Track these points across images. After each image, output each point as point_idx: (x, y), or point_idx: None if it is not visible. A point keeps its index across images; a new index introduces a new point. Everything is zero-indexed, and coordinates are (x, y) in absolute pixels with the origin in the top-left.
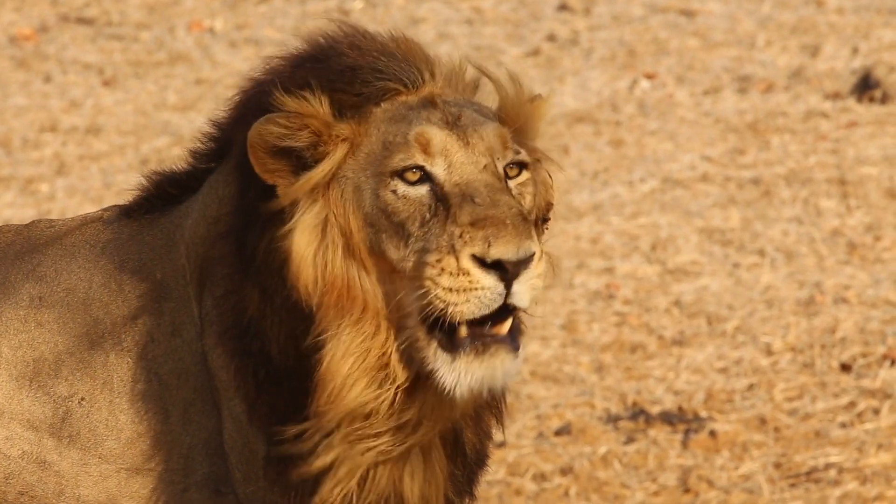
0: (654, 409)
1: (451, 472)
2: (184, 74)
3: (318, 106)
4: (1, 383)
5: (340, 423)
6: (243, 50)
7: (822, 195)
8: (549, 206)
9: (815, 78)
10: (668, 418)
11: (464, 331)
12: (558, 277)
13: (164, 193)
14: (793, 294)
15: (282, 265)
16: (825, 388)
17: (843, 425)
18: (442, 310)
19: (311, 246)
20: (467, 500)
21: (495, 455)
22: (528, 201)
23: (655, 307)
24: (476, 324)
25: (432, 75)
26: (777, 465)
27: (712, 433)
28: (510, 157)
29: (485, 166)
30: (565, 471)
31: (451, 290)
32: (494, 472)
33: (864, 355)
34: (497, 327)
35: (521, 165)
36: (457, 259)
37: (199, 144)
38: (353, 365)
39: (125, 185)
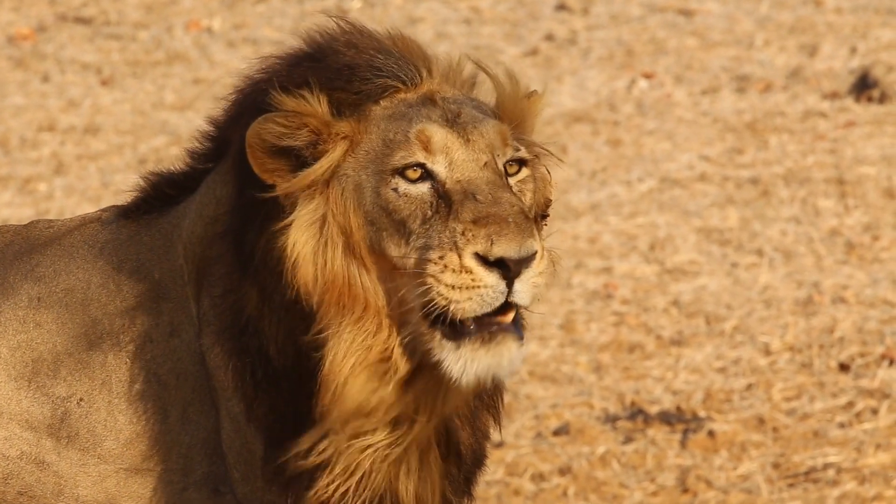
0: (653, 409)
1: (449, 472)
2: (182, 74)
3: (317, 105)
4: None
5: (344, 421)
6: (241, 49)
7: (820, 195)
8: (547, 202)
9: (813, 78)
10: (666, 418)
11: (469, 320)
12: (558, 276)
13: (162, 194)
14: (791, 294)
15: (280, 264)
16: (823, 387)
17: (842, 425)
18: (444, 307)
19: (308, 243)
20: (465, 501)
21: (493, 455)
22: (528, 198)
23: (654, 307)
24: (478, 318)
25: (430, 72)
26: (775, 465)
27: (711, 433)
28: (510, 153)
29: (485, 163)
30: (564, 471)
31: (453, 287)
32: (493, 472)
33: (862, 355)
34: (501, 317)
35: (521, 162)
36: (459, 257)
37: (195, 144)
38: (356, 363)
39: (123, 185)
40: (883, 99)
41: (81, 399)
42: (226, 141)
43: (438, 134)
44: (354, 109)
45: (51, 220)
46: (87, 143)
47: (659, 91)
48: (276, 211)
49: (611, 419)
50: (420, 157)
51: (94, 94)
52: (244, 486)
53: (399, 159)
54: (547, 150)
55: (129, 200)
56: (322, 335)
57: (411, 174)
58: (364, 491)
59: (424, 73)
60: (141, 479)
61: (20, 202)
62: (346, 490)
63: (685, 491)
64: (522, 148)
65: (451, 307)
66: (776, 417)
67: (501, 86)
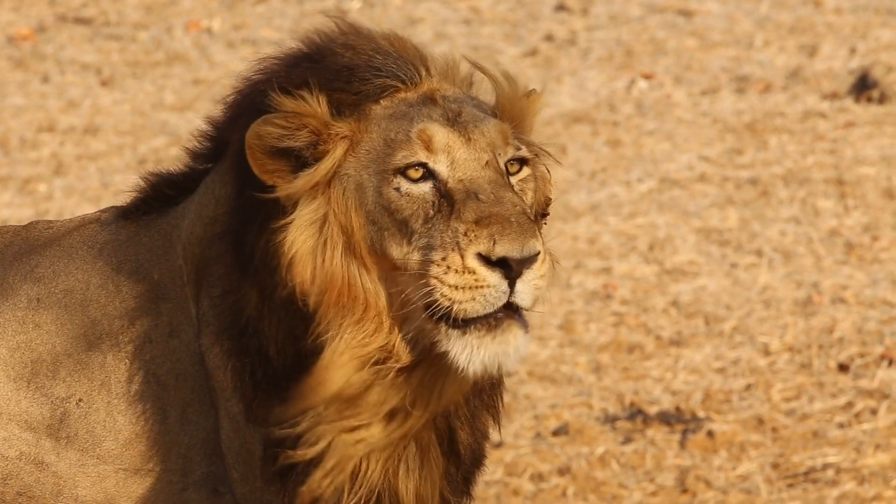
0: (652, 410)
1: (448, 472)
2: (181, 74)
3: (316, 105)
4: None
5: (328, 406)
6: (241, 50)
7: (819, 195)
8: (547, 201)
9: (812, 78)
10: (665, 418)
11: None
12: (557, 277)
13: (161, 195)
14: (790, 294)
15: (280, 264)
16: (823, 388)
17: (841, 425)
18: (448, 308)
19: (307, 242)
20: (465, 500)
21: (493, 455)
22: (529, 197)
23: (653, 307)
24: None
25: (428, 71)
26: (775, 466)
27: (710, 433)
28: (511, 153)
29: (487, 162)
30: (563, 471)
31: (456, 287)
32: (492, 472)
33: (861, 355)
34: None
35: (523, 161)
36: (462, 257)
37: (194, 145)
38: (350, 357)
39: (123, 185)
40: (882, 99)
41: (80, 399)
42: (225, 141)
43: (440, 133)
44: (354, 109)
45: (50, 221)
46: (87, 144)
47: (658, 91)
48: (276, 211)
49: (610, 419)
50: (422, 156)
51: (93, 95)
52: (243, 486)
53: (401, 159)
54: (546, 151)
55: (128, 201)
56: (322, 336)
57: (413, 174)
58: (360, 488)
59: (423, 73)
60: (140, 479)
61: (20, 203)
62: (341, 485)
63: (684, 491)
64: (523, 147)
65: (455, 308)
66: (775, 418)
67: (500, 85)
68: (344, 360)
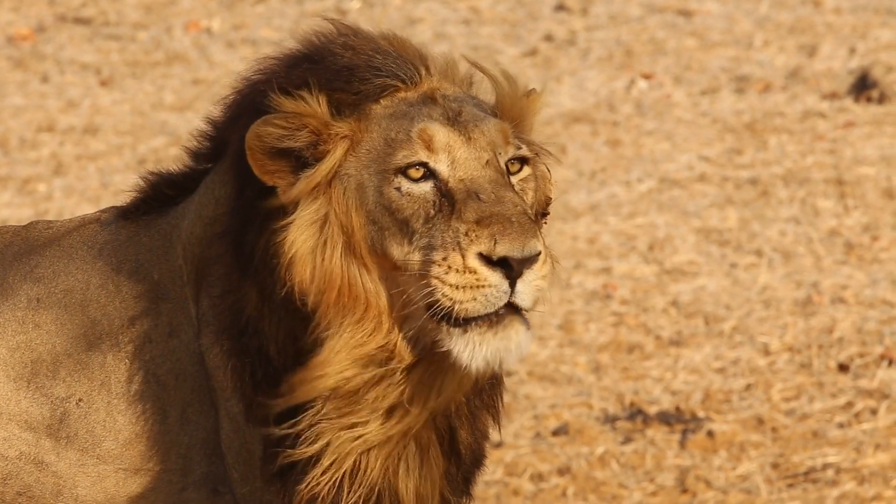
0: (652, 410)
1: (448, 471)
2: (181, 74)
3: (316, 105)
4: None
5: (326, 403)
6: (240, 50)
7: (819, 195)
8: (548, 200)
9: (812, 78)
10: (665, 418)
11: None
12: (557, 277)
13: (161, 195)
14: (790, 294)
15: (280, 263)
16: (823, 388)
17: (841, 425)
18: (448, 308)
19: (307, 242)
20: (464, 500)
21: (493, 455)
22: (530, 197)
23: (653, 307)
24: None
25: (428, 71)
26: (774, 466)
27: (710, 433)
28: (512, 152)
29: (487, 161)
30: (563, 471)
31: (457, 287)
32: (492, 472)
33: (861, 355)
34: None
35: (523, 161)
36: (463, 257)
37: (194, 145)
38: (347, 355)
39: (122, 185)
40: (882, 99)
41: (80, 399)
42: (224, 142)
43: (440, 133)
44: (354, 109)
45: (50, 221)
46: (87, 144)
47: (658, 91)
48: (276, 211)
49: (610, 419)
50: (422, 155)
51: (93, 95)
52: (243, 486)
53: (401, 158)
54: (546, 150)
55: (127, 201)
56: (322, 335)
57: (414, 173)
58: (360, 487)
59: (423, 72)
60: (140, 479)
61: (19, 203)
62: (340, 483)
63: (684, 491)
64: (524, 146)
65: (456, 307)
66: (775, 418)
67: (500, 85)
68: (341, 358)
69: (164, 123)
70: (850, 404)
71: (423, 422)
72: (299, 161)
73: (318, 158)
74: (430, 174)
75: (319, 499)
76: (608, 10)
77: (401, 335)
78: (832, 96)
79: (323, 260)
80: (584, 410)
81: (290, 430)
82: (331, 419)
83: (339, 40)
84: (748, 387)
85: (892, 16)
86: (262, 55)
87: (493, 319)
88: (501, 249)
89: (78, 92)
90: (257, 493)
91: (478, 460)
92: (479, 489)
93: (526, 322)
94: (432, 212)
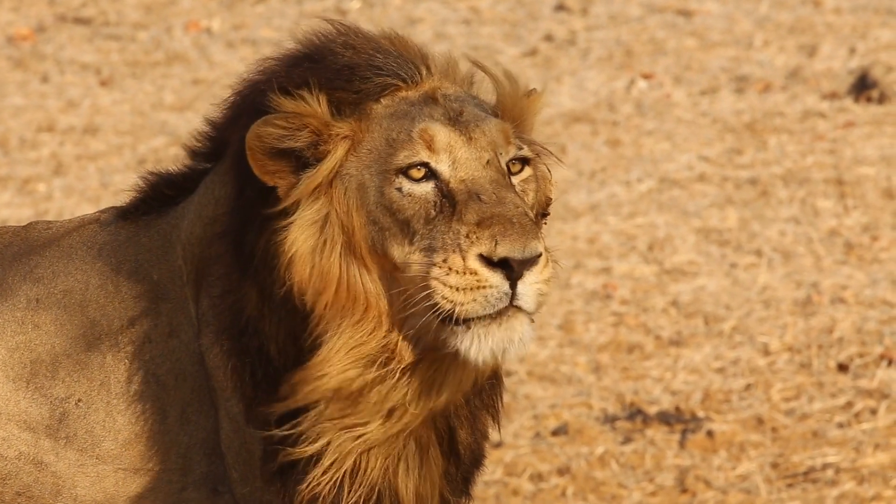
0: (652, 410)
1: (447, 471)
2: (181, 74)
3: (316, 105)
4: None
5: (329, 404)
6: (240, 50)
7: (819, 195)
8: (548, 201)
9: (812, 78)
10: (665, 418)
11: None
12: (557, 277)
13: (161, 195)
14: (790, 294)
15: (280, 263)
16: (822, 388)
17: (841, 425)
18: (449, 310)
19: (308, 242)
20: (464, 500)
21: (492, 455)
22: (530, 198)
23: (653, 307)
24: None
25: (429, 70)
26: (774, 466)
27: (709, 433)
28: (513, 152)
29: (488, 161)
30: (562, 471)
31: (457, 289)
32: (491, 472)
33: (861, 355)
34: None
35: (524, 161)
36: (463, 259)
37: (194, 145)
38: (346, 355)
39: (122, 185)
40: (882, 99)
41: (80, 400)
42: (224, 142)
43: (441, 133)
44: (355, 109)
45: (49, 222)
46: (87, 144)
47: (658, 91)
48: (276, 211)
49: (609, 419)
50: (424, 156)
51: (93, 95)
52: (243, 486)
53: (403, 159)
54: (547, 150)
55: (127, 201)
56: (321, 335)
57: (415, 173)
58: (360, 487)
59: (424, 71)
60: (140, 479)
61: (19, 203)
62: (340, 482)
63: (684, 491)
64: (525, 146)
65: (456, 309)
66: (775, 417)
67: (501, 84)
68: (340, 357)
69: (164, 123)
70: (849, 404)
71: (423, 421)
72: (300, 161)
73: (319, 158)
74: (431, 174)
75: (320, 499)
76: (608, 10)
77: (401, 335)
78: (832, 96)
79: (322, 259)
80: (583, 410)
81: (292, 431)
82: (332, 420)
83: (339, 39)
84: (748, 387)
85: (892, 16)
86: (262, 55)
87: (494, 315)
88: (502, 250)
89: (78, 92)
90: (257, 493)
91: (477, 460)
92: (478, 489)
93: (529, 316)
94: (433, 212)
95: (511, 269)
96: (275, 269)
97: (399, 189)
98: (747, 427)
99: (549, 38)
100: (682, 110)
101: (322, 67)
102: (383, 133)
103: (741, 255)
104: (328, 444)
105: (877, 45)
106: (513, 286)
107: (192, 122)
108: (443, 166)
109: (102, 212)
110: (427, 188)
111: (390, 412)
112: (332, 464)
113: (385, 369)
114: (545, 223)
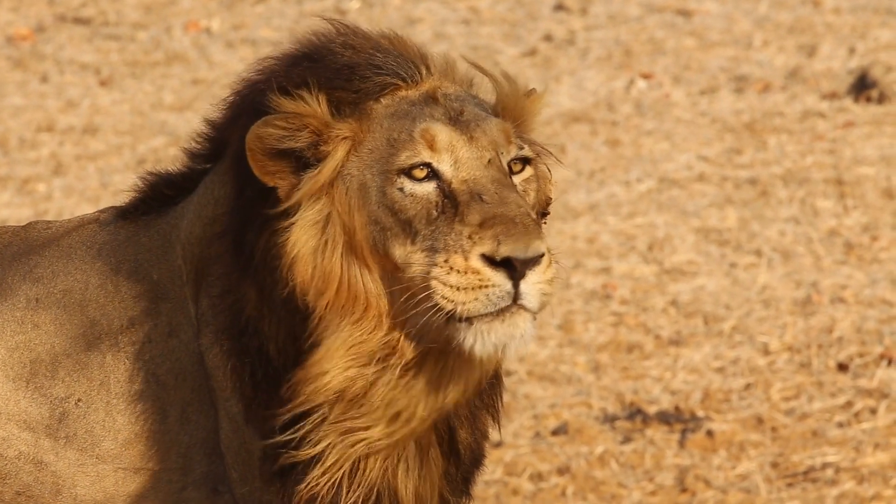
0: (651, 409)
1: (447, 472)
2: (180, 74)
3: (316, 105)
4: None
5: (333, 407)
6: (240, 50)
7: (818, 195)
8: (548, 200)
9: (811, 78)
10: (665, 418)
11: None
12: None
13: (160, 195)
14: (790, 294)
15: (281, 263)
16: (822, 387)
17: (840, 425)
18: (451, 311)
19: (310, 242)
20: (464, 500)
21: (492, 455)
22: (531, 197)
23: (652, 307)
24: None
25: (429, 69)
26: (774, 465)
27: (709, 433)
28: (514, 152)
29: (489, 161)
30: (562, 470)
31: (458, 288)
32: (491, 471)
33: (861, 355)
34: None
35: (525, 161)
36: (466, 259)
37: (193, 145)
38: (345, 353)
39: (122, 185)
40: (882, 99)
41: (80, 399)
42: (223, 142)
43: (443, 133)
44: (355, 108)
45: (49, 221)
46: (86, 144)
47: (657, 91)
48: (277, 211)
49: (609, 419)
50: (426, 156)
51: (92, 95)
52: (242, 486)
53: (405, 159)
54: (547, 150)
55: (127, 201)
56: (321, 335)
57: (417, 173)
58: (359, 487)
59: (423, 71)
60: (140, 478)
61: (19, 203)
62: (339, 483)
63: (684, 490)
64: (526, 146)
65: (458, 309)
66: (775, 417)
67: (500, 85)
68: (340, 355)
69: (164, 123)
70: (849, 404)
71: (430, 425)
72: (300, 161)
73: (320, 158)
74: (433, 174)
75: (319, 499)
76: (607, 10)
77: (402, 333)
78: (832, 96)
79: (323, 259)
80: (583, 410)
81: (294, 436)
82: (335, 423)
83: (338, 39)
84: (747, 386)
85: (891, 16)
86: (262, 55)
87: (497, 313)
88: (505, 250)
89: (77, 92)
90: (256, 493)
91: (477, 460)
92: (478, 489)
93: (532, 315)
94: (435, 213)
95: (514, 269)
96: (275, 270)
97: (401, 189)
98: (747, 427)
99: (548, 37)
100: (681, 110)
101: (321, 67)
102: (384, 133)
103: (741, 255)
104: (331, 446)
105: (876, 44)
106: (515, 285)
107: (191, 122)
108: (444, 166)
109: (102, 211)
110: (429, 188)
111: (395, 416)
112: (332, 465)
113: (385, 364)
114: (545, 223)
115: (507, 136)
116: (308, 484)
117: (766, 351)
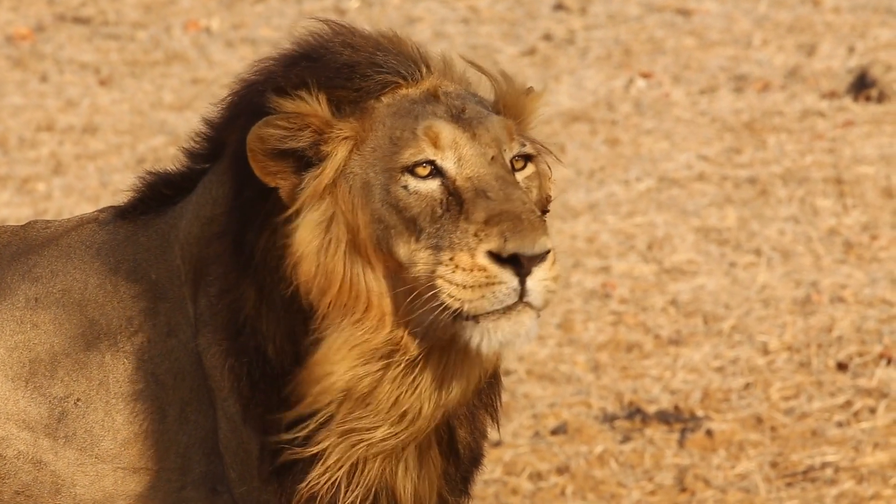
0: (651, 409)
1: (446, 471)
2: (180, 74)
3: (316, 104)
4: None
5: (340, 406)
6: (240, 49)
7: (818, 194)
8: (548, 198)
9: (811, 77)
10: (664, 417)
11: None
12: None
13: (159, 194)
14: (789, 293)
15: (280, 263)
16: (822, 387)
17: (840, 424)
18: (457, 309)
19: (313, 242)
20: (463, 500)
21: (491, 454)
22: (534, 195)
23: (652, 306)
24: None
25: (429, 68)
26: (773, 465)
27: (709, 432)
28: (517, 149)
29: (493, 158)
30: (562, 470)
31: (465, 286)
32: (491, 471)
33: (860, 354)
34: None
35: (528, 158)
36: (472, 256)
37: (192, 145)
38: (348, 352)
39: (121, 185)
40: (881, 98)
41: (79, 399)
42: (222, 142)
43: (446, 130)
44: (356, 107)
45: (48, 221)
46: (86, 143)
47: (657, 90)
48: (276, 210)
49: (609, 418)
50: (429, 153)
51: (92, 94)
52: (241, 486)
53: (408, 157)
54: (548, 149)
55: (126, 201)
56: (322, 334)
57: (421, 171)
58: (358, 487)
59: (424, 69)
60: (139, 478)
61: (18, 202)
62: (338, 483)
63: (683, 490)
64: (528, 143)
65: (465, 307)
66: (774, 417)
67: (499, 83)
68: (343, 355)
69: (164, 123)
70: (848, 403)
71: (432, 425)
72: (301, 161)
73: (321, 158)
74: (437, 172)
75: (318, 498)
76: (607, 10)
77: (406, 331)
78: (831, 95)
79: (327, 258)
80: (582, 409)
81: (298, 435)
82: (341, 424)
83: (337, 39)
84: (747, 386)
85: (891, 15)
86: (262, 55)
87: (503, 311)
88: (512, 246)
89: (77, 91)
90: (255, 493)
91: (476, 460)
92: (477, 488)
93: (536, 312)
94: (439, 210)
95: (520, 266)
96: (276, 269)
97: (405, 187)
98: (746, 426)
99: (547, 37)
100: (680, 109)
101: (321, 66)
102: (387, 131)
103: (740, 255)
104: (333, 446)
105: (876, 44)
106: (522, 282)
107: (191, 121)
108: (448, 163)
109: (101, 211)
110: (433, 185)
111: (402, 416)
112: (332, 464)
113: (389, 361)
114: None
115: (509, 132)
116: (308, 483)
117: (765, 350)
